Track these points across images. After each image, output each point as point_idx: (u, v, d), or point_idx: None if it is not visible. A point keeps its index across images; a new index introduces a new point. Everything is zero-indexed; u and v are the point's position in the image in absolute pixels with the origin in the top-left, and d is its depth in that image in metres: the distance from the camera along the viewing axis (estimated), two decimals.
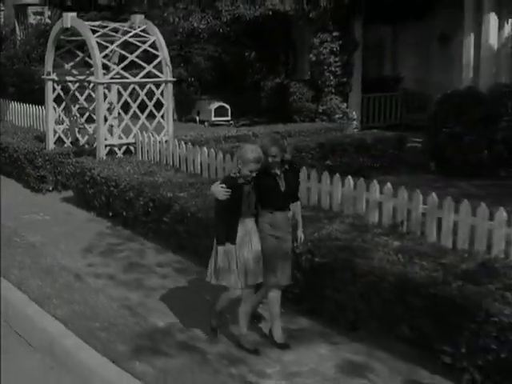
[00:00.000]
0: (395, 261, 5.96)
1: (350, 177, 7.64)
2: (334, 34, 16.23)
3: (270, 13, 17.33)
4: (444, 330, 5.41)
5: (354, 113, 16.81)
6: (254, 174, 5.74)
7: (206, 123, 20.08)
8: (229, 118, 20.11)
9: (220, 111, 20.18)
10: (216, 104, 20.26)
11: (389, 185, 7.22)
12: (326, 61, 16.37)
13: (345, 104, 16.65)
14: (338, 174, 7.83)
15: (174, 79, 11.78)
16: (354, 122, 16.67)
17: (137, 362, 5.66)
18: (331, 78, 16.48)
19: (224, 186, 5.71)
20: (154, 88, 11.23)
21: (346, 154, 12.67)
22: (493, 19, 13.67)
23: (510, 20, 13.88)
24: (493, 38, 13.74)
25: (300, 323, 6.49)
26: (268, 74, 20.13)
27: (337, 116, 16.37)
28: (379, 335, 6.01)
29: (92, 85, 11.67)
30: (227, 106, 20.21)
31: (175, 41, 21.70)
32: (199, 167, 9.81)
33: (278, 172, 5.95)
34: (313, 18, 16.17)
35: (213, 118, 19.99)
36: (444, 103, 13.43)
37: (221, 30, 18.84)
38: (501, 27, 13.83)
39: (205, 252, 7.89)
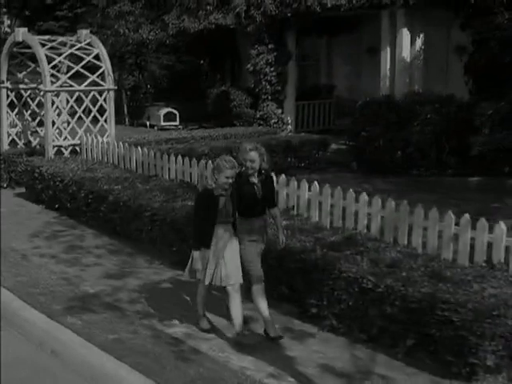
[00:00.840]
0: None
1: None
2: (270, 46, 17.77)
3: (213, 26, 18.73)
4: (311, 287, 6.86)
5: (288, 118, 18.33)
6: (230, 181, 6.14)
7: (155, 127, 21.46)
8: (177, 123, 21.50)
9: (169, 116, 21.58)
10: (165, 110, 21.65)
11: (283, 176, 8.69)
12: (263, 71, 17.89)
13: (280, 110, 18.16)
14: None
15: (116, 87, 13.11)
16: (289, 127, 18.18)
17: (68, 316, 7.03)
18: (267, 86, 18.00)
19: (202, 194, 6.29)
20: (97, 95, 12.58)
21: (273, 155, 14.12)
22: (405, 35, 15.30)
23: (421, 35, 15.53)
24: (406, 51, 15.37)
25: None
26: (214, 82, 21.54)
27: (273, 121, 17.86)
28: (268, 296, 7.44)
29: (42, 92, 12.98)
30: (175, 112, 21.61)
31: (127, 51, 23.09)
32: (135, 164, 11.19)
33: (256, 180, 6.36)
34: (250, 31, 17.69)
35: (162, 123, 21.37)
36: (364, 109, 14.99)
37: (167, 42, 20.22)
38: (413, 42, 15.47)
39: (134, 235, 9.36)
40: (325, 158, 15.29)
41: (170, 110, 21.67)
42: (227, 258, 6.33)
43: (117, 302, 7.51)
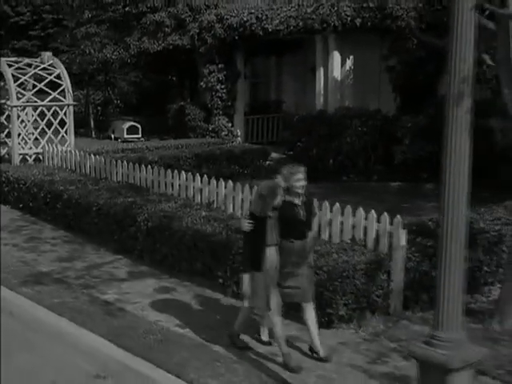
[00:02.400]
0: (197, 222, 9.16)
1: (183, 172, 10.86)
2: (220, 65, 19.64)
3: (171, 47, 20.53)
4: (219, 262, 8.61)
5: (238, 131, 20.14)
6: (303, 183, 6.32)
7: (119, 140, 23.15)
8: (139, 136, 23.20)
9: (132, 130, 23.28)
10: (128, 124, 23.36)
11: (205, 177, 10.46)
12: (214, 88, 19.73)
13: (230, 123, 19.98)
14: (169, 171, 11.03)
15: (75, 103, 14.87)
16: (238, 139, 19.97)
17: (23, 287, 8.72)
18: (219, 102, 19.84)
19: (249, 219, 6.26)
20: (58, 110, 14.32)
21: (217, 163, 15.91)
22: (336, 56, 17.21)
23: (350, 57, 17.45)
24: (337, 71, 17.27)
25: (141, 269, 9.62)
26: (174, 98, 23.27)
27: (223, 133, 19.67)
28: (186, 272, 9.19)
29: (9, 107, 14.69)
30: (138, 126, 23.32)
31: (95, 69, 24.81)
32: (89, 169, 12.91)
33: (299, 202, 6.45)
34: (202, 52, 19.56)
35: (125, 136, 23.05)
36: (299, 123, 16.83)
37: (129, 61, 21.99)
38: (343, 63, 17.39)
39: (85, 228, 11.06)
40: (266, 166, 17.05)
41: (132, 123, 23.37)
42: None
43: (64, 277, 9.22)
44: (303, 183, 6.46)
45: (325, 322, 7.41)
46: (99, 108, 28.89)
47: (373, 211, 8.14)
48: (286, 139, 17.07)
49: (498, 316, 7.34)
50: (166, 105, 23.81)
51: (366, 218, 8.15)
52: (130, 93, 31.14)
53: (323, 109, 17.26)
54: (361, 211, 8.21)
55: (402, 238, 7.69)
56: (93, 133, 24.88)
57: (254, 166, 16.53)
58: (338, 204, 8.56)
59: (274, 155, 17.68)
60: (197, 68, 21.29)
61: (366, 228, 8.16)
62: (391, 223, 7.85)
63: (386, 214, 7.95)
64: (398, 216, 7.80)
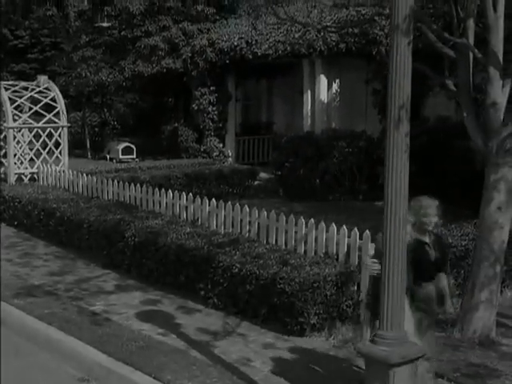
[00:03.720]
0: (181, 238, 9.67)
1: (169, 190, 11.38)
2: (211, 88, 20.26)
3: (165, 70, 21.16)
4: (201, 276, 9.10)
5: (229, 151, 20.72)
6: (435, 219, 5.73)
7: (114, 160, 23.70)
8: (134, 156, 23.76)
9: (127, 150, 23.83)
10: (123, 144, 23.92)
11: (190, 195, 10.98)
12: (206, 110, 20.34)
13: (221, 144, 20.56)
14: (157, 190, 11.55)
15: (69, 125, 15.42)
16: (229, 159, 20.54)
17: (15, 299, 9.21)
18: (210, 123, 20.44)
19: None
20: (53, 131, 14.87)
21: (207, 182, 16.43)
22: (323, 80, 17.83)
23: (336, 80, 18.07)
24: (323, 94, 17.87)
25: (128, 282, 10.11)
26: (169, 120, 23.85)
27: (215, 154, 20.23)
28: (171, 285, 9.68)
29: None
30: (133, 146, 23.89)
31: (91, 91, 25.43)
32: (81, 188, 13.44)
33: (428, 239, 5.88)
34: (194, 75, 20.19)
35: (120, 156, 23.60)
36: (287, 144, 17.37)
37: (124, 84, 22.63)
38: (329, 86, 17.99)
39: (76, 244, 11.55)
40: (255, 185, 17.59)
41: (127, 144, 23.94)
42: None
43: (55, 290, 9.70)
44: (435, 219, 5.90)
45: (297, 331, 7.90)
46: (96, 129, 29.50)
47: (344, 226, 8.65)
48: (274, 160, 17.60)
49: (459, 325, 7.82)
50: (161, 126, 24.41)
51: (338, 233, 8.65)
52: (127, 114, 31.82)
53: (310, 130, 17.81)
54: (333, 227, 8.71)
55: (371, 251, 8.18)
56: (89, 153, 25.45)
57: (243, 186, 17.04)
58: (312, 220, 9.07)
59: (262, 175, 18.21)
60: (190, 90, 21.90)
61: (338, 242, 8.66)
62: (361, 238, 8.36)
63: (355, 229, 8.46)
64: (367, 231, 8.30)
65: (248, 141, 21.91)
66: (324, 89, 17.89)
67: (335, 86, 18.07)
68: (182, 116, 23.49)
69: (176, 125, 22.72)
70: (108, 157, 24.34)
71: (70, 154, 16.09)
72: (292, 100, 22.07)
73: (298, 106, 20.82)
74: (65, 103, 25.13)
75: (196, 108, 20.54)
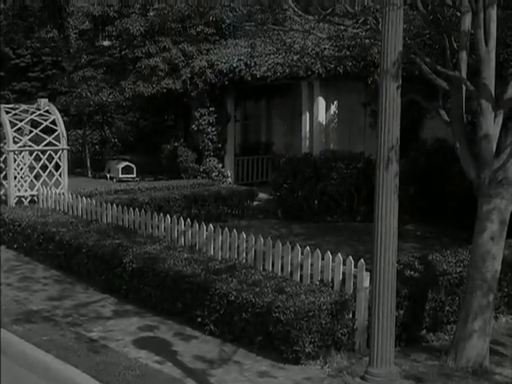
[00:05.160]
0: (178, 264, 9.76)
1: (167, 216, 11.48)
2: (211, 109, 20.42)
3: (165, 90, 21.34)
4: (198, 303, 9.18)
5: (228, 172, 20.84)
6: None
7: (114, 180, 23.85)
8: (134, 175, 23.92)
9: (127, 169, 24.00)
10: (123, 164, 24.08)
11: (188, 220, 11.07)
12: (205, 130, 20.49)
13: (220, 164, 20.69)
14: (155, 214, 11.64)
15: (69, 147, 15.54)
16: (228, 179, 20.65)
17: (14, 325, 9.29)
18: (209, 144, 20.57)
19: None
20: (53, 154, 15.00)
21: (206, 204, 16.52)
22: (321, 102, 17.97)
23: (334, 102, 18.21)
24: (321, 116, 18.01)
25: (126, 307, 10.20)
26: (169, 139, 23.97)
27: (214, 174, 20.35)
28: (168, 311, 9.76)
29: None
30: (132, 166, 24.05)
31: (92, 110, 25.64)
32: (80, 211, 13.54)
33: None
34: (194, 96, 20.36)
35: (120, 175, 23.76)
36: (286, 165, 17.48)
37: (124, 104, 22.82)
38: (328, 108, 18.14)
39: (75, 268, 11.64)
40: (254, 206, 17.69)
41: (127, 163, 24.10)
42: None
43: (53, 316, 9.80)
44: None
45: (292, 359, 7.98)
46: (97, 147, 29.68)
47: (339, 254, 8.74)
48: (273, 181, 17.71)
49: (453, 353, 7.90)
50: (161, 144, 24.57)
51: (333, 261, 8.74)
52: (127, 132, 32.01)
53: (309, 152, 17.92)
54: (329, 254, 8.80)
55: (366, 279, 8.27)
56: (89, 172, 25.60)
57: (242, 207, 17.13)
58: (308, 247, 9.16)
59: (261, 195, 18.32)
60: (190, 110, 22.06)
61: (333, 270, 8.75)
62: (356, 266, 8.45)
63: (350, 257, 8.55)
64: (362, 260, 8.39)
65: (247, 161, 22.04)
66: (322, 110, 18.03)
67: (333, 108, 18.20)
68: (181, 135, 23.64)
69: (176, 144, 22.85)
70: (108, 176, 24.50)
71: (70, 173, 16.26)
72: (291, 120, 22.21)
73: (297, 126, 20.94)
74: (66, 121, 25.45)
75: (195, 129, 20.69)
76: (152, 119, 28.69)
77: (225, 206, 16.89)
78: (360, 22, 7.36)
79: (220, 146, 20.65)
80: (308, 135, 18.22)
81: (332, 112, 18.22)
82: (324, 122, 18.13)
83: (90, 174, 25.48)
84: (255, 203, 17.85)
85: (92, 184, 21.60)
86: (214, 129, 20.49)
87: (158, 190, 17.23)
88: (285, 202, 17.25)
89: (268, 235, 14.59)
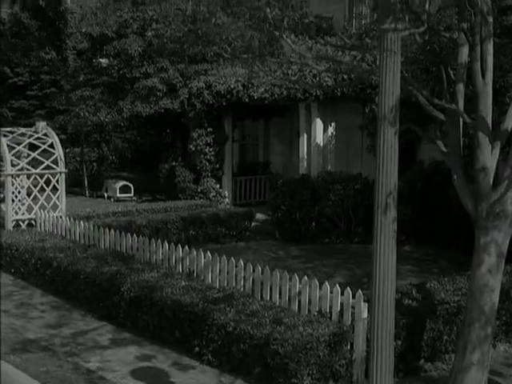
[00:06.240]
0: (176, 293, 9.75)
1: (165, 242, 11.47)
2: (208, 129, 20.45)
3: (163, 110, 21.38)
4: (196, 332, 9.17)
5: (225, 192, 20.85)
6: None
7: (112, 199, 23.85)
8: (131, 195, 23.93)
9: (124, 189, 24.02)
10: (121, 183, 24.10)
11: (186, 247, 11.07)
12: (203, 151, 20.51)
13: (218, 185, 20.69)
14: (153, 240, 11.63)
15: (66, 170, 15.53)
16: (226, 200, 20.66)
17: (11, 355, 9.26)
18: (207, 164, 20.59)
19: None
20: (51, 177, 15.01)
21: (203, 226, 16.52)
22: (319, 124, 18.01)
23: (332, 124, 18.26)
24: (319, 137, 18.05)
25: (124, 336, 10.17)
26: (167, 157, 23.96)
27: (211, 195, 20.35)
28: (166, 339, 9.74)
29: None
30: (130, 185, 24.07)
31: (91, 130, 25.69)
32: (78, 236, 13.53)
33: None
34: (191, 116, 20.41)
35: (118, 195, 23.77)
36: (283, 187, 17.49)
37: (122, 124, 22.87)
38: (325, 129, 18.18)
39: (73, 294, 11.61)
40: (252, 227, 17.68)
41: (125, 183, 24.12)
42: None
43: (51, 345, 9.77)
44: None
45: None
46: (94, 164, 29.67)
47: (337, 285, 8.74)
48: (271, 202, 17.72)
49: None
50: (159, 162, 24.59)
51: (331, 292, 8.73)
52: (125, 149, 32.04)
53: (306, 173, 17.95)
54: (326, 285, 8.80)
55: (364, 311, 8.26)
56: (87, 191, 25.60)
57: (240, 228, 17.13)
58: (305, 277, 9.15)
59: (259, 216, 18.32)
60: (188, 130, 22.07)
61: (331, 300, 8.74)
62: (354, 296, 8.44)
63: (348, 288, 8.55)
64: (360, 291, 8.39)
65: (245, 180, 22.07)
66: (320, 132, 18.07)
67: (331, 129, 18.25)
68: (179, 154, 23.63)
69: (174, 163, 22.85)
70: (106, 195, 24.50)
71: (67, 192, 16.27)
72: (289, 140, 22.28)
73: (295, 146, 21.00)
74: (63, 139, 25.51)
75: (193, 149, 20.70)
76: (150, 137, 28.76)
77: (223, 228, 16.88)
78: (358, 58, 7.41)
79: (218, 166, 20.67)
80: (306, 156, 18.25)
81: (330, 133, 18.27)
82: (321, 144, 18.17)
83: (87, 193, 25.48)
84: (253, 224, 17.84)
85: (90, 204, 21.64)
86: (211, 149, 20.52)
87: (155, 211, 17.23)
88: (282, 224, 17.25)
89: (266, 258, 14.74)
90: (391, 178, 4.74)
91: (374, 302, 4.81)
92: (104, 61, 24.04)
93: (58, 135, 21.24)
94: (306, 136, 18.26)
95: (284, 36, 6.11)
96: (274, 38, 6.47)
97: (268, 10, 5.78)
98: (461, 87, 8.06)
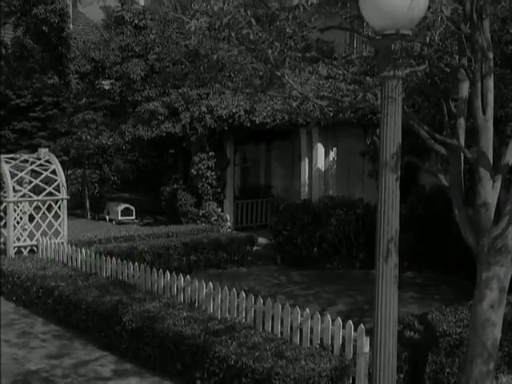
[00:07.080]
0: (178, 324, 9.74)
1: (167, 272, 11.47)
2: (210, 153, 20.53)
3: (164, 134, 21.45)
4: (196, 364, 9.16)
5: (227, 216, 20.88)
6: None
7: (113, 222, 23.88)
8: (133, 218, 23.96)
9: (126, 212, 24.05)
10: (122, 206, 24.13)
11: (188, 277, 11.07)
12: (205, 174, 20.57)
13: (220, 209, 20.74)
14: (155, 270, 11.63)
15: (68, 197, 15.55)
16: (227, 223, 20.69)
17: None
18: (209, 188, 20.64)
19: None
20: (53, 203, 15.04)
21: (205, 252, 16.52)
22: (320, 149, 18.08)
23: (334, 148, 18.32)
24: (320, 162, 18.10)
25: (125, 367, 10.16)
26: (168, 180, 24.02)
27: (213, 218, 20.38)
28: (168, 371, 9.72)
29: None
30: (132, 208, 24.10)
31: (93, 152, 25.75)
32: (79, 263, 13.54)
33: None
34: (193, 140, 20.48)
35: (120, 218, 23.80)
36: (284, 211, 17.51)
37: (124, 147, 22.96)
38: (327, 154, 18.24)
39: (74, 323, 11.60)
40: (253, 252, 17.69)
41: (126, 205, 24.16)
42: None
43: (52, 376, 9.75)
44: None
45: None
46: (96, 185, 29.71)
47: (339, 318, 8.73)
48: (272, 227, 17.73)
49: None
50: (161, 183, 24.66)
51: (333, 325, 8.73)
52: (127, 169, 32.09)
53: (307, 198, 17.98)
54: (328, 318, 8.79)
55: (366, 344, 8.25)
56: (88, 214, 25.62)
57: (241, 253, 17.13)
58: (307, 309, 9.15)
59: (260, 240, 18.34)
60: (189, 154, 22.16)
61: (333, 333, 8.73)
62: (355, 330, 8.44)
63: (350, 321, 8.54)
64: (362, 325, 8.38)
65: (247, 204, 22.11)
66: (321, 157, 18.14)
67: (332, 154, 18.32)
68: (181, 177, 23.70)
69: (175, 186, 22.90)
70: (107, 218, 24.53)
71: (70, 214, 16.32)
72: (290, 164, 22.34)
73: (296, 169, 21.06)
74: (65, 161, 25.55)
75: (195, 173, 20.76)
76: (151, 159, 28.83)
77: (224, 253, 16.89)
78: (358, 97, 7.45)
79: (219, 190, 20.73)
80: (307, 181, 18.30)
81: (331, 158, 18.33)
82: (323, 168, 18.22)
83: (89, 216, 25.50)
84: (255, 248, 17.84)
85: (91, 227, 21.66)
86: (213, 173, 20.58)
87: (157, 236, 17.25)
88: (284, 249, 17.26)
89: (267, 284, 14.74)
90: (393, 224, 4.75)
91: (377, 350, 4.81)
92: (106, 83, 24.17)
93: (60, 157, 21.52)
94: (307, 160, 18.32)
95: (286, 76, 6.16)
96: (275, 76, 6.51)
97: (270, 51, 5.83)
98: (462, 122, 8.09)
